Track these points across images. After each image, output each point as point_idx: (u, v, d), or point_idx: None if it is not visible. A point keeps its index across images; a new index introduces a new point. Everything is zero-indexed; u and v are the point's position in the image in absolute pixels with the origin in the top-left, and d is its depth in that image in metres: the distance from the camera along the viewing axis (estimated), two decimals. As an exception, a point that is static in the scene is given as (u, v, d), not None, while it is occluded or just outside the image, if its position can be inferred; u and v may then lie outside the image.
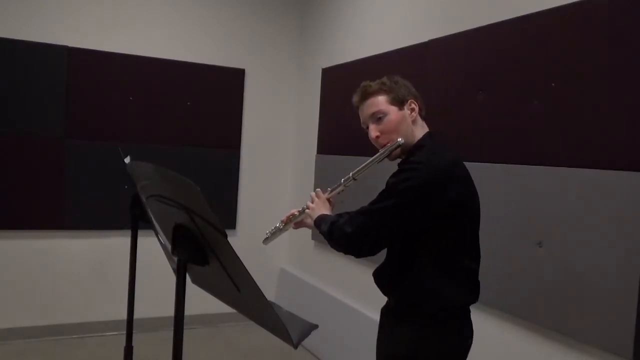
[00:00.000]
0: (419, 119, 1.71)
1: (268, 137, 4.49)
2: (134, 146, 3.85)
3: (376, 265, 1.74)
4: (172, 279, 1.16)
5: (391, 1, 3.31)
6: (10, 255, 3.68)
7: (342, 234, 1.59)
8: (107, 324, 3.91)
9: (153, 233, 1.48)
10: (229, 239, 1.02)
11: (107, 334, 3.89)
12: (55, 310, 3.81)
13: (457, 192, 1.53)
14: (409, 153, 1.65)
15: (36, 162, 3.67)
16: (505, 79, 2.35)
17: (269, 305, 1.07)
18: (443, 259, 1.56)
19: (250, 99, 4.36)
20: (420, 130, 1.70)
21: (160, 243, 1.48)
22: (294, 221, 1.85)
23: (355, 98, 1.73)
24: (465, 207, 1.58)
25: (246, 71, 4.32)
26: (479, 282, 1.65)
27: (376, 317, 1.79)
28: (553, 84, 2.12)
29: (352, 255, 1.64)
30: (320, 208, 1.77)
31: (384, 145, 1.65)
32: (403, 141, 1.63)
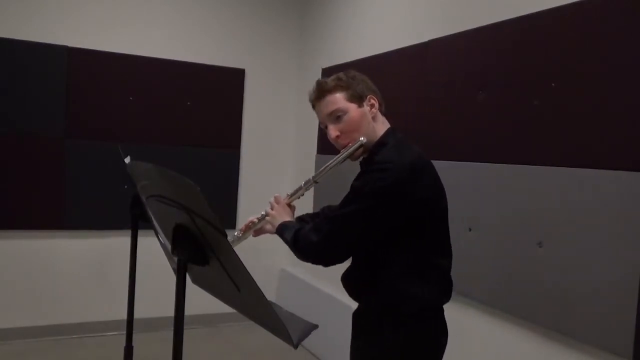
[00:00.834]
0: (380, 115, 1.63)
1: (268, 137, 4.49)
2: (134, 146, 3.85)
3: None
4: (172, 279, 1.16)
5: (391, 1, 3.31)
6: (10, 255, 3.68)
7: (307, 242, 1.51)
8: (107, 324, 3.90)
9: (153, 233, 1.48)
10: (229, 239, 1.02)
11: (107, 334, 3.89)
12: (55, 310, 3.80)
13: (428, 189, 1.49)
14: (372, 151, 1.58)
15: (36, 162, 3.67)
16: (505, 79, 2.35)
17: (269, 305, 1.07)
18: (415, 258, 1.50)
19: (250, 99, 4.36)
20: (382, 126, 1.62)
21: (160, 243, 1.47)
22: (254, 229, 1.72)
23: (310, 96, 1.64)
24: (436, 204, 1.53)
25: (246, 71, 4.32)
26: (452, 280, 1.60)
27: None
28: (553, 84, 2.12)
29: (320, 265, 1.54)
30: (281, 214, 1.67)
31: (345, 145, 1.58)
32: (365, 140, 1.56)
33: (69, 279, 3.83)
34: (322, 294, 3.73)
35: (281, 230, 1.62)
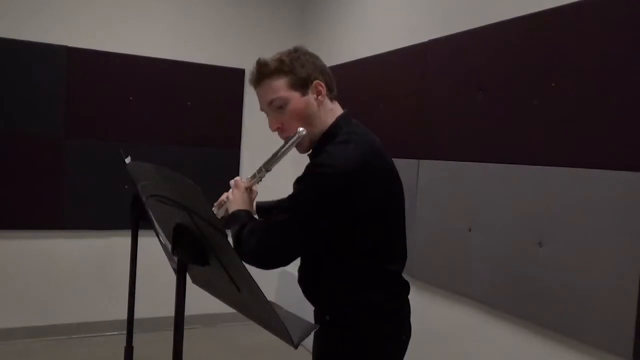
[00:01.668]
0: (328, 102, 1.48)
1: (268, 137, 4.46)
2: (134, 146, 3.85)
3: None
4: (172, 279, 1.16)
5: (391, 1, 3.31)
6: (10, 255, 3.68)
7: (248, 247, 1.37)
8: (107, 324, 3.90)
9: (153, 233, 1.47)
10: (229, 239, 1.02)
11: (107, 334, 3.89)
12: (55, 310, 3.80)
13: (376, 190, 1.36)
14: (321, 141, 1.45)
15: (36, 162, 3.67)
16: (505, 79, 2.35)
17: (269, 305, 1.07)
18: (360, 264, 1.40)
19: (250, 99, 4.36)
20: (330, 114, 1.47)
21: (161, 243, 1.47)
22: (220, 215, 1.59)
23: (250, 77, 1.49)
24: (388, 203, 1.41)
25: (246, 71, 4.31)
26: (405, 281, 1.52)
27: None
28: (553, 84, 2.12)
29: (261, 268, 1.39)
30: (238, 201, 1.52)
31: (287, 136, 1.47)
32: (305, 132, 1.42)
33: (69, 279, 3.83)
34: (322, 294, 3.73)
35: (228, 222, 1.48)
